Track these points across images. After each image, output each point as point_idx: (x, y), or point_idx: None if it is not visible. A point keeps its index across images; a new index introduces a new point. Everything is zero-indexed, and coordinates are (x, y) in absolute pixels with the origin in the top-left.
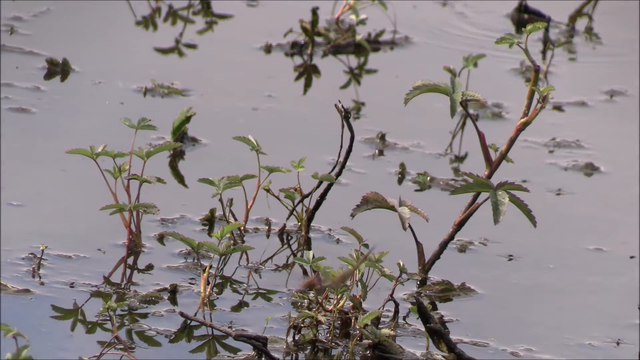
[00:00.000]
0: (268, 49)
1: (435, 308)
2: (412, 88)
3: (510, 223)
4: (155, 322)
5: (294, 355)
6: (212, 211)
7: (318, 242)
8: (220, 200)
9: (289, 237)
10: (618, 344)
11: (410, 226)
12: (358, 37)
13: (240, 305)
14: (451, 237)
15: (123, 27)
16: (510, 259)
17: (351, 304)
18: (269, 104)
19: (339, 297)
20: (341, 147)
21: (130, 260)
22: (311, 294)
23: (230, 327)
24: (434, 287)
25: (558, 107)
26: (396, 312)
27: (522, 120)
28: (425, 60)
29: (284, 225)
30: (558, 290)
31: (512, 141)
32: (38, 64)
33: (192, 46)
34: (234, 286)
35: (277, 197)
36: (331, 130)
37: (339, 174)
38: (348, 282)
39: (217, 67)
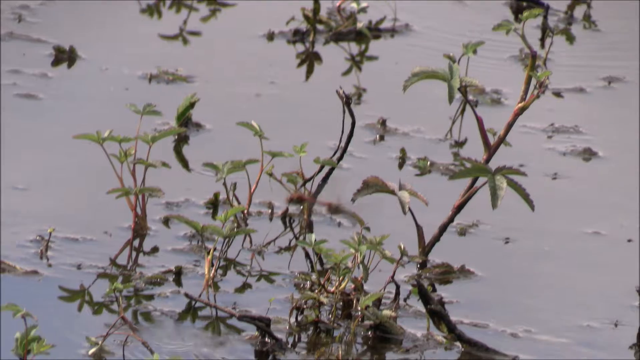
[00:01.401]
0: (271, 36)
1: (435, 290)
2: (411, 75)
3: (509, 206)
4: (160, 303)
5: (297, 336)
6: (216, 195)
7: (320, 225)
8: (224, 184)
9: (292, 220)
10: (616, 325)
11: (410, 210)
12: (359, 25)
13: (243, 287)
14: (450, 220)
15: (128, 15)
16: (507, 242)
17: (353, 285)
18: (271, 90)
19: (340, 279)
20: (342, 132)
21: (135, 243)
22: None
23: (234, 308)
24: (434, 269)
25: (557, 94)
26: (397, 293)
27: (520, 105)
28: (426, 47)
29: (287, 209)
30: (557, 273)
31: (509, 126)
32: (45, 51)
33: (196, 33)
34: (238, 268)
35: (280, 181)
36: (333, 115)
37: (340, 158)
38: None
39: (220, 54)
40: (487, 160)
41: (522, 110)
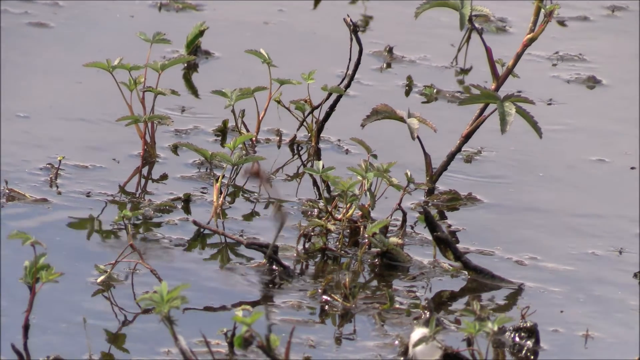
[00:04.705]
0: None
1: (442, 217)
2: (423, 2)
3: (516, 133)
4: (169, 231)
5: (304, 263)
6: (225, 122)
7: (327, 152)
8: (233, 111)
9: (299, 148)
10: (621, 253)
11: (418, 137)
12: None
13: (251, 214)
14: (458, 149)
15: None
16: (514, 167)
17: (360, 213)
18: (279, 18)
19: (348, 206)
20: (350, 60)
21: (144, 170)
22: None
23: (242, 236)
24: (441, 196)
25: (561, 22)
26: (404, 221)
27: (529, 35)
28: None
29: (295, 136)
30: (562, 200)
31: (518, 56)
32: None
33: None
34: (246, 195)
35: (288, 109)
36: (340, 43)
37: (347, 86)
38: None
39: None
40: (496, 90)
41: (531, 41)
